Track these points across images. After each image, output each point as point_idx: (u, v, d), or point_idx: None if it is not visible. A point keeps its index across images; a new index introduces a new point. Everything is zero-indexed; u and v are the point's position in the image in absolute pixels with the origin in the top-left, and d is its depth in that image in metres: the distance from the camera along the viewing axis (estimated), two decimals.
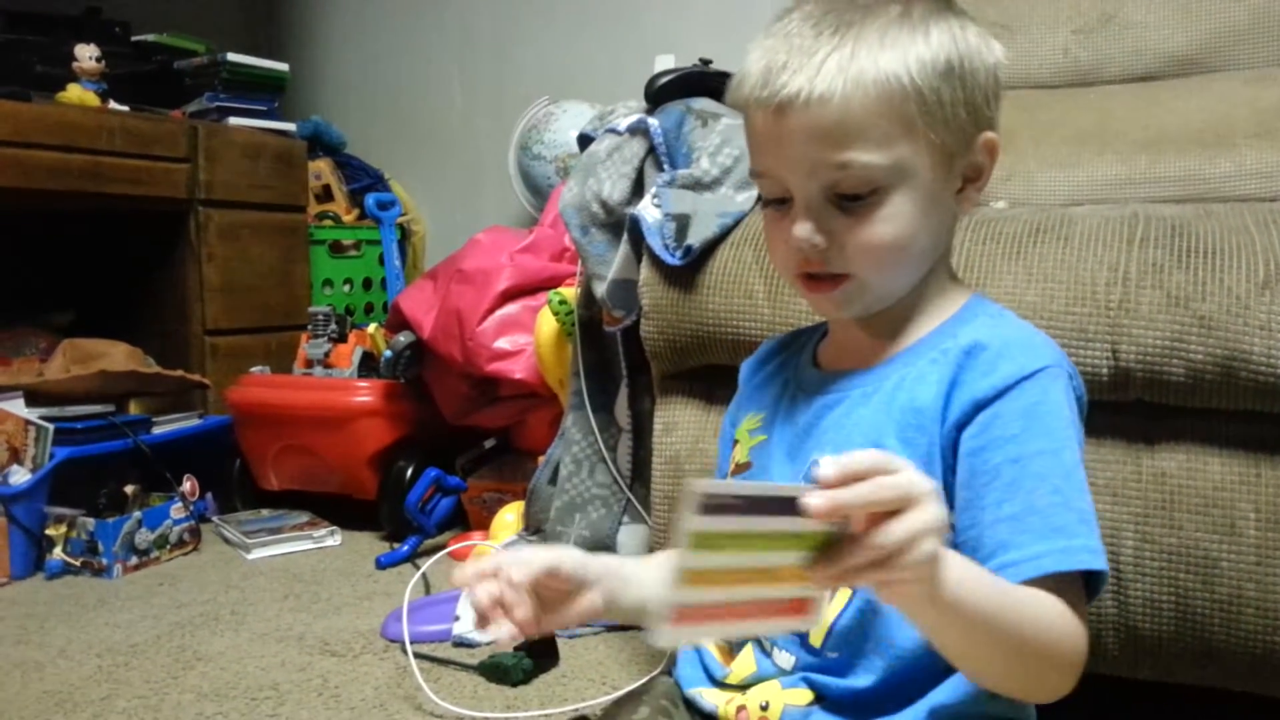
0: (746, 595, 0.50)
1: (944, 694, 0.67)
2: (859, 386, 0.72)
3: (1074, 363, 0.71)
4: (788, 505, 0.49)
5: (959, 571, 0.56)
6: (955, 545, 0.64)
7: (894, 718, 0.67)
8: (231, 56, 2.43)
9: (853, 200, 0.66)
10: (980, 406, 0.65)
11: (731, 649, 0.74)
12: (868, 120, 0.65)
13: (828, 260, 0.68)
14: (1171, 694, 1.02)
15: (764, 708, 0.70)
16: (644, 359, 1.19)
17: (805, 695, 0.69)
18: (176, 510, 1.80)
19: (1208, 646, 0.90)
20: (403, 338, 1.80)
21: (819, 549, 0.50)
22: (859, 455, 0.50)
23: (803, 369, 0.78)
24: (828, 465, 0.49)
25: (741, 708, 0.71)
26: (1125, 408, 0.92)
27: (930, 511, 0.51)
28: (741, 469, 0.78)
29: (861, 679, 0.67)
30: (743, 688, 0.72)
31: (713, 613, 0.50)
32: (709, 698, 0.73)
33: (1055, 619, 0.61)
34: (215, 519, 1.95)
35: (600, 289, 1.32)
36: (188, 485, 1.88)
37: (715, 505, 0.47)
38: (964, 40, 0.68)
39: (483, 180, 2.73)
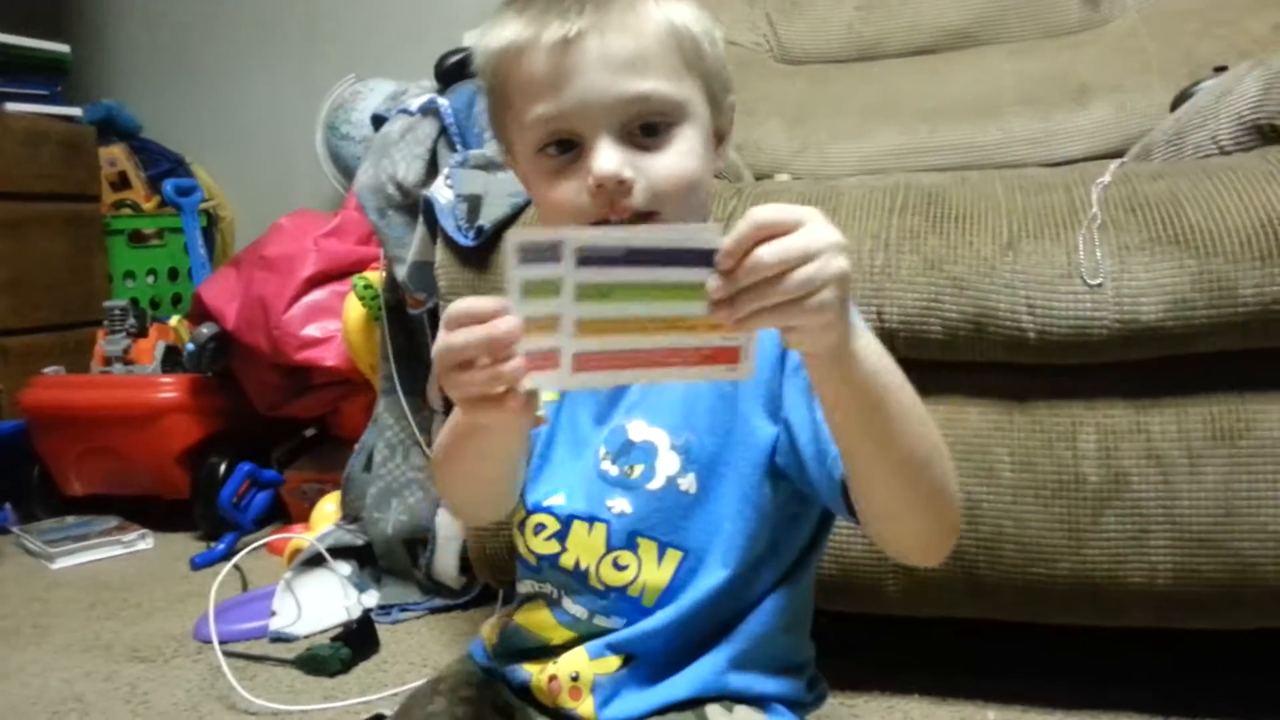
0: (657, 343, 0.51)
1: (740, 640, 0.70)
2: None
3: None
4: (691, 257, 0.50)
5: (870, 341, 0.57)
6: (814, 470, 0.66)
7: (695, 665, 0.70)
8: (4, 37, 2.26)
9: (651, 134, 0.67)
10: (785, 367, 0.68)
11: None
12: (660, 53, 0.66)
13: (631, 198, 0.66)
14: (949, 627, 1.11)
15: (574, 678, 0.72)
16: None
17: (613, 663, 0.71)
18: None
19: (977, 581, 0.98)
20: (205, 329, 1.74)
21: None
22: (738, 234, 0.50)
23: None
24: (722, 256, 0.50)
25: (553, 677, 0.72)
26: None
27: (836, 261, 0.51)
28: (537, 422, 0.73)
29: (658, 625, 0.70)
30: (552, 652, 0.74)
31: (618, 359, 0.51)
32: (524, 669, 0.74)
33: (945, 451, 0.63)
34: (15, 529, 1.84)
35: (401, 272, 1.31)
36: None
37: (599, 257, 0.49)
38: (703, 11, 0.71)
39: (292, 162, 2.63)
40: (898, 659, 1.15)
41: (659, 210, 0.67)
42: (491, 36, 0.69)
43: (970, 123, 1.63)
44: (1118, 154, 1.49)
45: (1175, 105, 1.34)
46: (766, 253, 0.50)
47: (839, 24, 1.88)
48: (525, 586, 0.77)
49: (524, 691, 0.75)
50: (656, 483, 0.71)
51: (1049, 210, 0.96)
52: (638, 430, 0.72)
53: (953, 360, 0.97)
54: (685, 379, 0.60)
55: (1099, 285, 0.89)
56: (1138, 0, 1.68)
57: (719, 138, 0.73)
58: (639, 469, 0.71)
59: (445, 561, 1.37)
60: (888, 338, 0.97)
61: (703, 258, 0.50)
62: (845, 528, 0.98)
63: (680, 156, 0.67)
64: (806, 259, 0.50)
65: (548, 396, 0.77)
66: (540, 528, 0.74)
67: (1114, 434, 0.92)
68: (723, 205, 1.08)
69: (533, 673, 0.74)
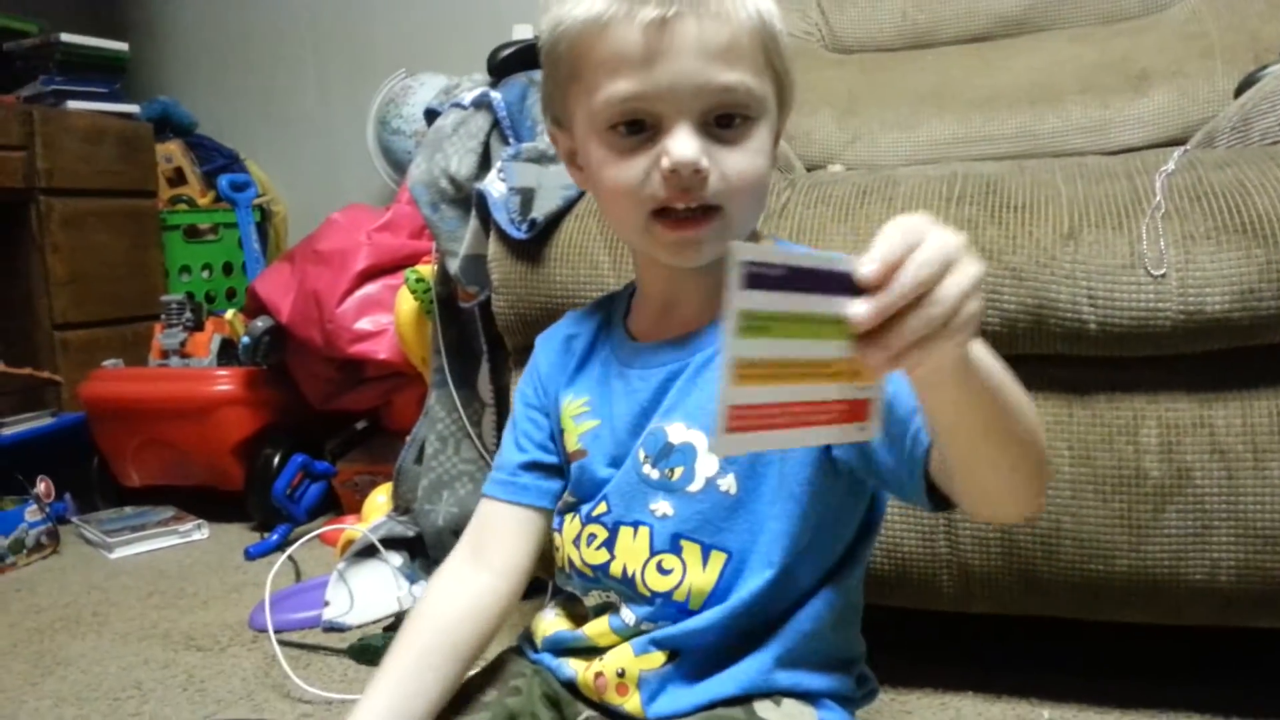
0: (800, 394, 0.45)
1: (788, 638, 0.70)
2: (698, 350, 0.72)
3: None
4: (832, 282, 0.44)
5: (977, 344, 0.53)
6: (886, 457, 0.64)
7: (743, 663, 0.70)
8: (66, 37, 2.32)
9: (727, 126, 0.66)
10: None
11: (588, 615, 0.76)
12: (750, 46, 0.66)
13: (704, 189, 0.66)
14: (1004, 625, 1.09)
15: (620, 674, 0.72)
16: (498, 332, 1.20)
17: (658, 658, 0.71)
18: (31, 513, 1.73)
19: (1033, 577, 0.96)
20: (260, 323, 1.76)
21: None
22: (888, 242, 0.45)
23: (621, 344, 0.78)
24: (867, 264, 0.45)
25: (599, 674, 0.73)
26: None
27: (973, 266, 0.46)
28: (577, 456, 0.78)
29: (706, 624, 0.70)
30: (600, 651, 0.74)
31: (768, 416, 0.44)
32: (570, 665, 0.75)
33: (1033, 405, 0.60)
34: (75, 520, 1.88)
35: (453, 265, 1.32)
36: (42, 486, 1.81)
37: (760, 277, 0.41)
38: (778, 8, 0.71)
39: (344, 157, 2.67)
40: (951, 656, 1.14)
41: (725, 205, 0.67)
42: (574, 6, 0.67)
43: (1026, 111, 1.61)
44: (1179, 142, 1.46)
45: (1240, 91, 1.31)
46: (915, 261, 0.44)
47: (892, 11, 1.86)
48: (592, 599, 0.76)
49: (570, 685, 0.75)
50: (697, 484, 0.70)
51: (1111, 199, 0.94)
52: (677, 432, 0.71)
53: (1011, 353, 0.95)
54: (819, 441, 0.53)
55: (1163, 276, 0.87)
56: None
57: (776, 138, 0.72)
58: (679, 471, 0.71)
59: None
60: None
61: (845, 284, 0.44)
62: (899, 521, 0.98)
63: (754, 154, 0.68)
64: (947, 266, 0.45)
65: (586, 425, 0.77)
66: (591, 538, 0.75)
67: (1176, 428, 0.90)
68: (776, 197, 1.07)
69: (578, 669, 0.74)
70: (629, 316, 0.80)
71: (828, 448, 0.68)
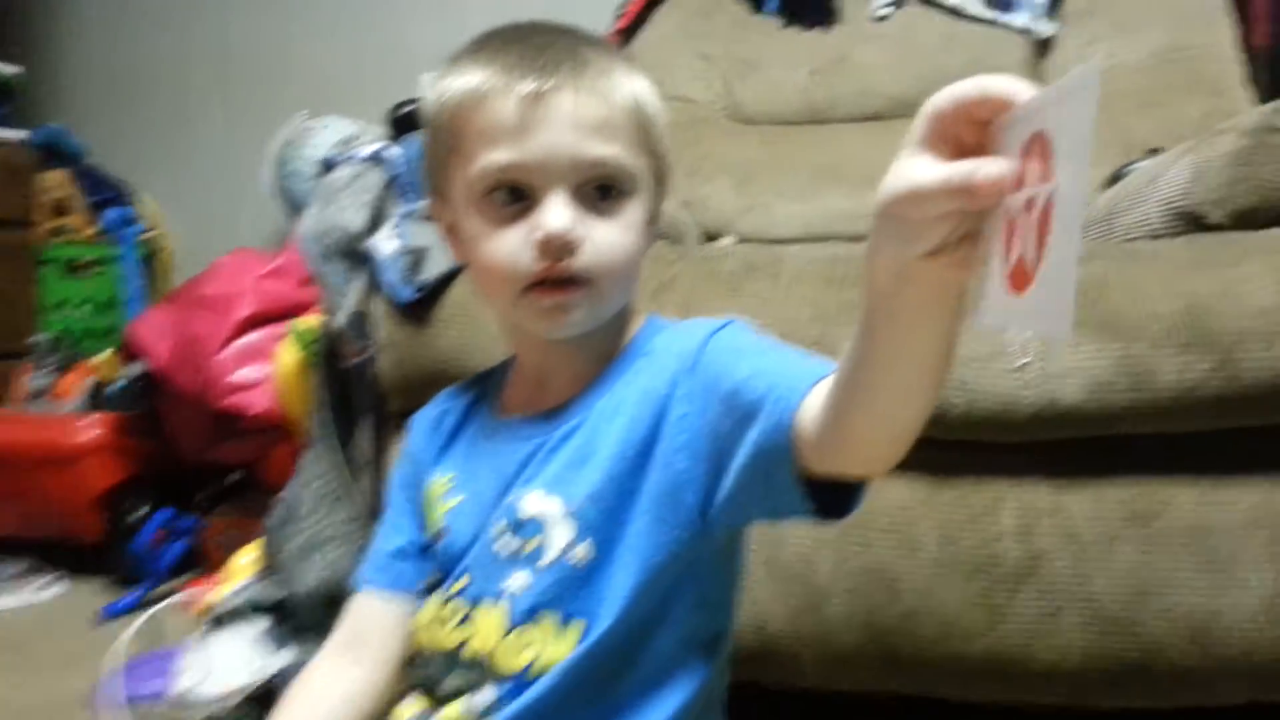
0: None
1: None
2: (563, 424, 0.72)
3: None
4: None
5: None
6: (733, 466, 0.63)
7: None
8: None
9: (602, 199, 0.68)
10: (693, 372, 0.67)
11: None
12: (625, 124, 0.68)
13: (575, 259, 0.67)
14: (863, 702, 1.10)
15: None
16: (379, 392, 1.18)
17: None
18: None
19: (895, 658, 0.97)
20: (133, 368, 1.69)
21: None
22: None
23: (491, 418, 0.78)
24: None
25: None
26: None
27: None
28: (441, 535, 0.77)
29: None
30: None
31: None
32: None
33: None
34: None
35: (339, 321, 1.29)
36: None
37: None
38: (657, 95, 0.73)
39: (241, 197, 2.61)
40: None
41: (595, 278, 0.68)
42: (455, 79, 0.69)
43: None
44: None
45: (1108, 184, 1.37)
46: None
47: (792, 86, 1.90)
48: (450, 682, 0.74)
49: None
50: (552, 555, 0.69)
51: None
52: (533, 502, 0.70)
53: None
54: None
55: (1025, 365, 0.90)
56: None
57: (651, 219, 0.73)
58: (534, 542, 0.70)
59: None
60: None
61: None
62: (765, 597, 0.97)
63: (626, 228, 0.69)
64: None
65: (451, 502, 0.76)
66: (453, 615, 0.73)
67: (1034, 512, 0.92)
68: (666, 268, 1.07)
69: None
70: (504, 390, 0.79)
71: (680, 503, 0.67)
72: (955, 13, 1.85)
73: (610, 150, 0.67)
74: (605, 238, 0.68)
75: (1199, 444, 0.90)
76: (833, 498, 0.59)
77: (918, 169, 0.43)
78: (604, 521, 0.69)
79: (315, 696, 0.76)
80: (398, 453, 1.14)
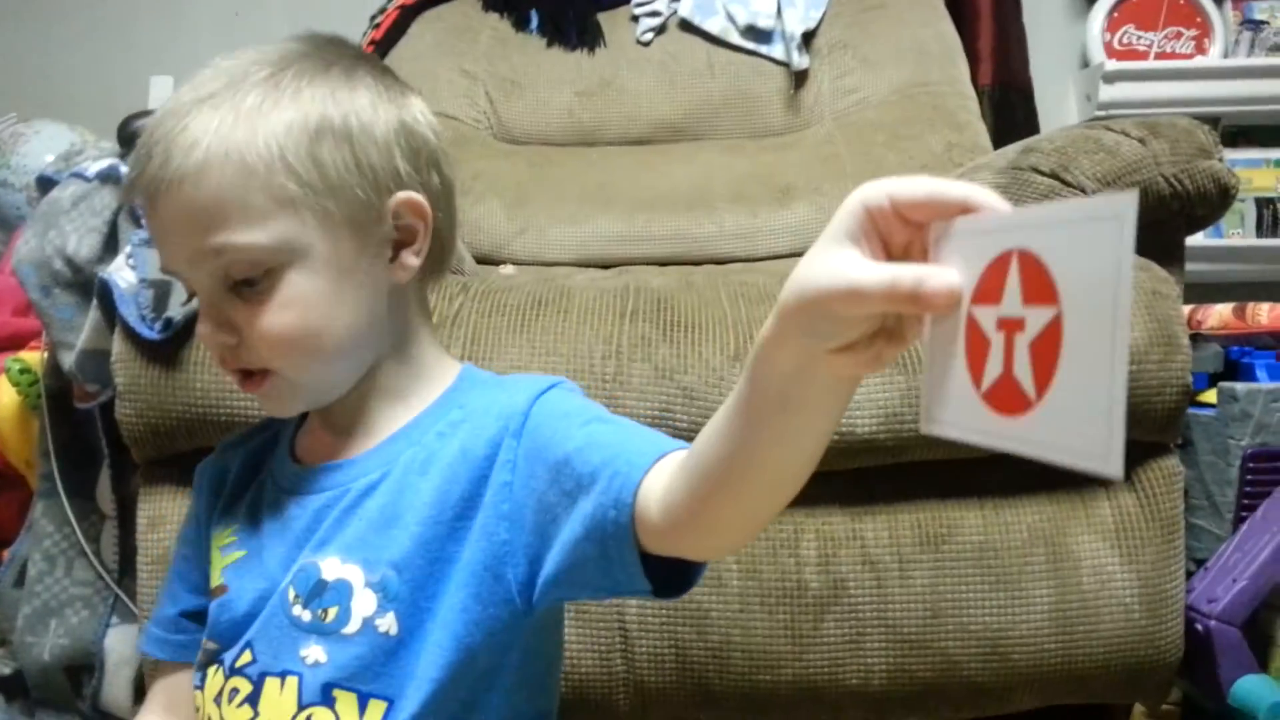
0: None
1: None
2: (362, 475, 0.66)
3: None
4: None
5: None
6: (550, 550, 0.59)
7: None
8: None
9: (247, 286, 0.62)
10: (518, 437, 0.62)
11: None
12: (237, 197, 0.60)
13: (242, 356, 0.64)
14: None
15: None
16: (122, 440, 1.05)
17: None
18: None
19: (706, 691, 0.96)
20: None
21: None
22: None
23: (281, 467, 0.71)
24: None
25: None
26: None
27: None
28: (218, 593, 0.69)
29: None
30: None
31: None
32: None
33: None
34: None
35: (68, 360, 1.14)
36: None
37: None
38: (348, 100, 0.64)
39: None
40: None
41: (275, 369, 0.64)
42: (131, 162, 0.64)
43: (684, 215, 1.68)
44: None
45: None
46: None
47: (558, 108, 1.89)
48: None
49: None
50: (353, 626, 0.63)
51: None
52: (331, 568, 0.64)
53: None
54: None
55: None
56: (834, 109, 1.81)
57: (402, 242, 0.66)
58: (333, 611, 0.63)
59: (116, 690, 1.19)
60: None
61: None
62: (574, 641, 0.94)
63: (279, 310, 0.62)
64: None
65: (231, 557, 0.69)
66: (234, 693, 0.65)
67: (832, 541, 0.94)
68: (448, 302, 1.02)
69: None
70: (298, 438, 0.72)
71: (500, 579, 0.62)
72: (715, 40, 1.89)
73: (222, 239, 0.61)
74: (260, 327, 0.62)
75: (981, 468, 0.95)
76: (670, 575, 0.57)
77: (853, 267, 0.40)
78: (411, 594, 0.63)
79: None
80: (148, 503, 1.03)
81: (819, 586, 0.94)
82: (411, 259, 0.66)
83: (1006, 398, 0.38)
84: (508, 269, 1.53)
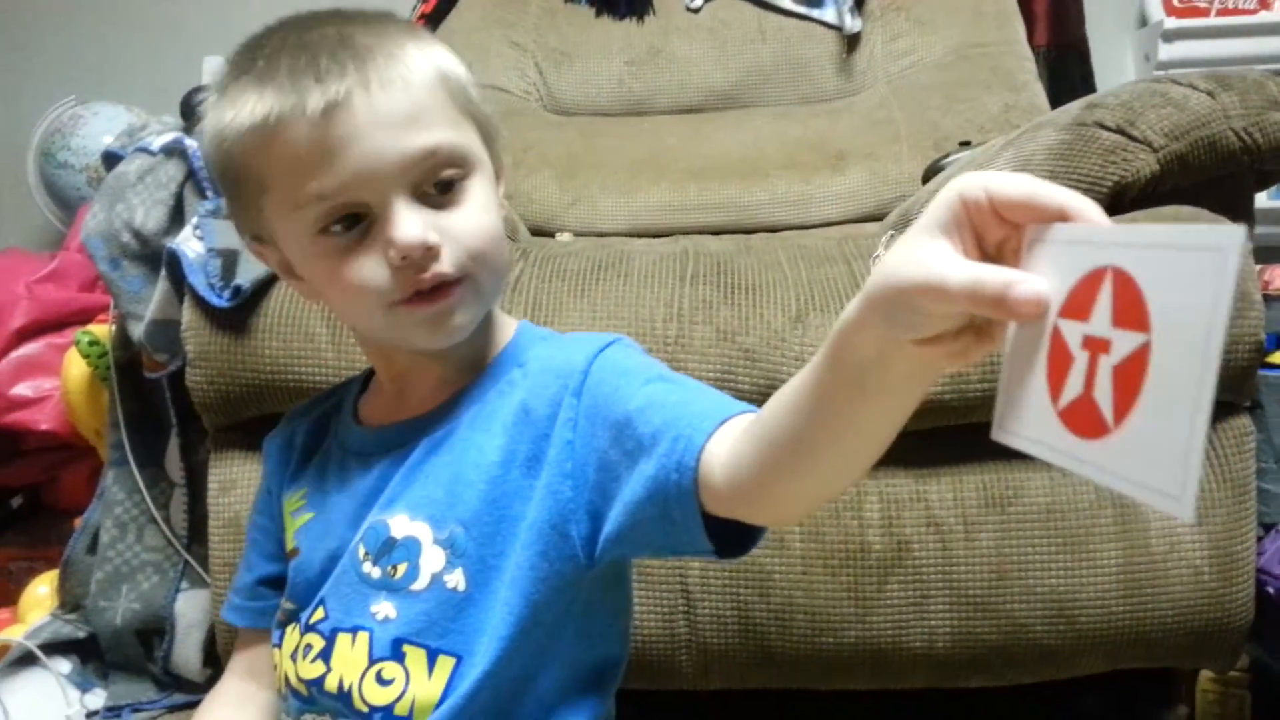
0: None
1: None
2: (424, 434, 0.67)
3: None
4: None
5: None
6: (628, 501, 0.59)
7: None
8: None
9: (446, 191, 0.62)
10: (569, 406, 0.62)
11: None
12: (436, 103, 0.62)
13: (441, 264, 0.61)
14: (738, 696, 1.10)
15: None
16: (193, 407, 1.07)
17: None
18: None
19: (768, 653, 0.97)
20: None
21: None
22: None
23: (346, 431, 0.72)
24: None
25: None
26: None
27: None
28: (292, 555, 0.71)
29: None
30: None
31: None
32: None
33: None
34: None
35: (137, 330, 1.16)
36: None
37: None
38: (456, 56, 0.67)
39: (4, 192, 2.34)
40: None
41: (469, 273, 0.62)
42: (230, 112, 0.60)
43: (736, 183, 1.67)
44: (873, 218, 1.58)
45: (927, 177, 1.42)
46: None
47: (609, 78, 1.88)
48: None
49: None
50: (421, 582, 0.64)
51: (832, 283, 0.98)
52: (399, 525, 0.65)
53: None
54: None
55: None
56: (887, 73, 1.78)
57: (499, 186, 0.68)
58: (402, 568, 0.64)
59: (186, 652, 1.22)
60: None
61: None
62: (639, 604, 0.95)
63: (480, 211, 0.63)
64: None
65: (301, 519, 0.71)
66: (308, 649, 0.67)
67: (896, 503, 0.94)
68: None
69: None
70: (362, 401, 0.73)
71: (565, 536, 0.62)
72: (766, 5, 1.87)
73: (432, 137, 0.61)
74: (464, 228, 0.62)
75: None
76: (731, 535, 0.57)
77: (942, 261, 0.39)
78: (479, 550, 0.63)
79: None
80: (218, 469, 1.05)
81: (882, 549, 0.94)
82: (502, 198, 0.68)
83: (1083, 419, 0.37)
84: (565, 236, 1.53)
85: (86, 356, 1.33)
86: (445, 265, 0.61)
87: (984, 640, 0.94)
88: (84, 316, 1.50)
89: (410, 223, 0.60)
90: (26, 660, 1.22)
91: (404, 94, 0.60)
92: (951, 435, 0.93)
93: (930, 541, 0.94)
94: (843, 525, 0.94)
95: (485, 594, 0.63)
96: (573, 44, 1.92)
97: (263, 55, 0.61)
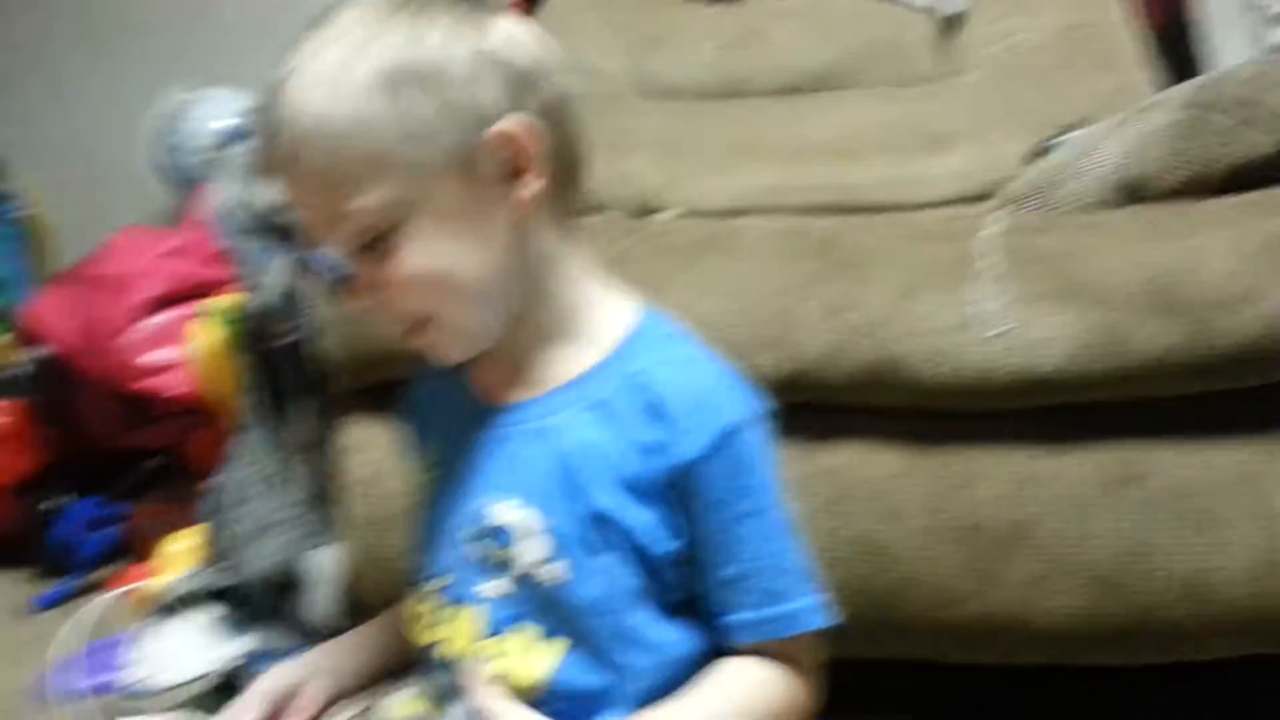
0: None
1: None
2: (522, 422, 0.69)
3: (748, 371, 0.72)
4: None
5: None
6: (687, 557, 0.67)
7: None
8: None
9: (376, 245, 0.63)
10: (681, 470, 0.65)
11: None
12: (336, 166, 0.61)
13: (397, 311, 0.65)
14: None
15: None
16: (321, 371, 1.13)
17: None
18: None
19: (888, 624, 0.98)
20: (36, 352, 1.58)
21: None
22: None
23: (462, 396, 0.74)
24: None
25: None
26: (797, 409, 0.99)
27: None
28: (420, 509, 0.76)
29: None
30: None
31: None
32: None
33: (776, 696, 0.68)
34: None
35: (263, 299, 1.23)
36: None
37: None
38: (419, 43, 0.62)
39: (116, 171, 2.44)
40: None
41: (432, 312, 0.66)
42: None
43: (834, 165, 1.67)
44: (974, 200, 1.57)
45: (1032, 158, 1.42)
46: None
47: (703, 62, 1.90)
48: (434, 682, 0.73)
49: None
50: (526, 569, 0.67)
51: (942, 260, 0.99)
52: (505, 511, 0.68)
53: (857, 405, 0.98)
54: None
55: (996, 336, 0.92)
56: (987, 54, 1.77)
57: (513, 173, 0.64)
58: (508, 553, 0.68)
59: (322, 604, 1.29)
60: (791, 382, 0.96)
61: None
62: None
63: (407, 258, 0.63)
64: None
65: (426, 482, 0.76)
66: (432, 614, 0.72)
67: (1015, 479, 0.94)
68: (616, 242, 1.05)
69: None
70: (475, 367, 0.74)
71: (655, 539, 0.67)
72: None
73: (336, 208, 0.62)
74: (398, 279, 0.63)
75: (1177, 408, 0.92)
76: None
77: None
78: (581, 549, 0.67)
79: None
80: (347, 433, 1.10)
81: (1002, 524, 0.94)
82: (528, 188, 0.64)
83: None
84: (669, 213, 1.55)
85: (216, 325, 1.40)
86: (399, 312, 0.66)
87: (1107, 621, 0.93)
88: (208, 288, 1.58)
89: (349, 290, 0.67)
90: (181, 605, 1.30)
91: (303, 168, 0.62)
92: (1073, 412, 0.93)
93: (1053, 518, 0.93)
94: (960, 500, 0.95)
95: (587, 587, 0.66)
96: (666, 28, 1.94)
97: None
